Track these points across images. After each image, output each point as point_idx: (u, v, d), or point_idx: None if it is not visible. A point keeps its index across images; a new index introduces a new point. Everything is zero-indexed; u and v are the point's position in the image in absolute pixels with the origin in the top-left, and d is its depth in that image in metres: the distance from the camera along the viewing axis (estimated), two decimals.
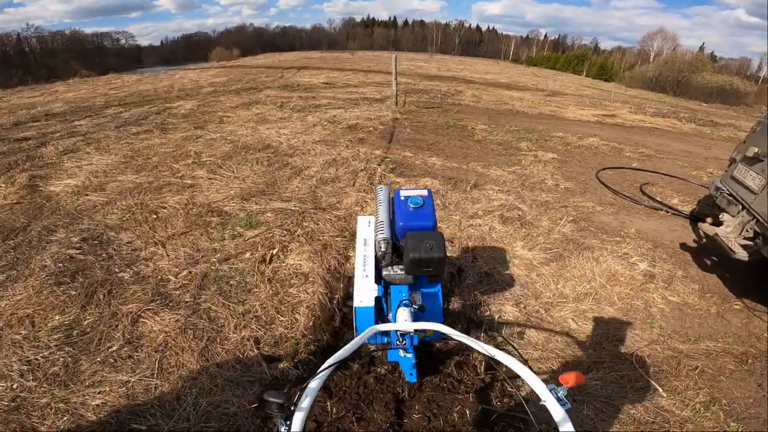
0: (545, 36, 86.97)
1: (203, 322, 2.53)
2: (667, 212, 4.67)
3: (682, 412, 2.11)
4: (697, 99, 28.33)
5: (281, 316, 2.60)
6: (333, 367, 1.20)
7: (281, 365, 2.27)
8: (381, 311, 1.93)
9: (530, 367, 1.16)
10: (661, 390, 2.22)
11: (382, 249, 1.89)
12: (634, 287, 3.16)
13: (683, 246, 3.92)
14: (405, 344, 1.56)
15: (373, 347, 2.30)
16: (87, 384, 2.04)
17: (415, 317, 1.79)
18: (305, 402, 1.05)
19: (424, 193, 1.99)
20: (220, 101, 9.98)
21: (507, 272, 3.21)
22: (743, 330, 2.81)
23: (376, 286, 1.88)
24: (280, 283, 2.89)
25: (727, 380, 2.34)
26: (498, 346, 1.38)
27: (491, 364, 2.04)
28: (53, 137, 6.47)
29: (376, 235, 1.96)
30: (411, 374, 1.82)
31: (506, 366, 1.21)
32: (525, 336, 2.61)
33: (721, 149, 8.55)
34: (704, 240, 4.02)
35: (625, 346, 2.56)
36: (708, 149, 8.47)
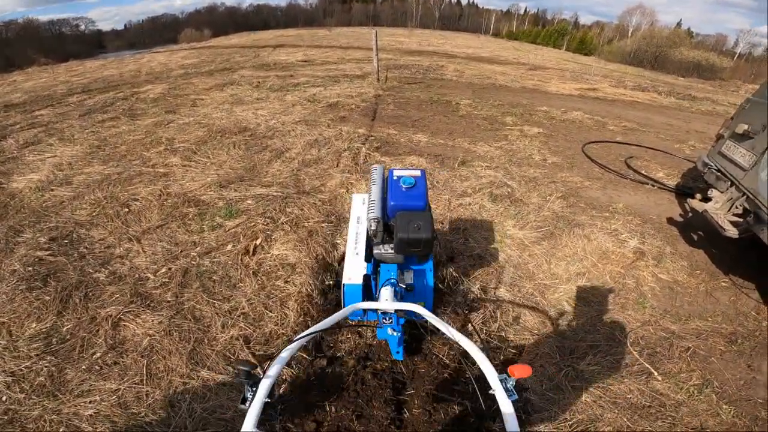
0: (525, 10, 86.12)
1: (188, 322, 2.40)
2: (653, 186, 4.68)
3: (677, 395, 2.12)
4: (674, 73, 28.65)
5: (270, 311, 2.48)
6: (306, 338, 1.22)
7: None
8: (369, 289, 1.92)
9: (487, 355, 1.19)
10: (656, 373, 2.23)
11: (373, 228, 1.88)
12: (625, 265, 3.16)
13: (670, 221, 3.93)
14: (391, 322, 1.55)
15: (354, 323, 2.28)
16: (76, 393, 1.95)
17: (403, 297, 1.78)
18: (272, 370, 1.10)
19: (417, 173, 1.97)
20: (192, 84, 9.47)
21: (499, 253, 3.15)
22: (731, 308, 2.83)
23: (365, 264, 1.90)
24: (266, 276, 2.75)
25: (718, 361, 2.37)
26: (467, 334, 1.46)
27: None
28: (13, 129, 6.02)
29: (367, 214, 1.95)
30: (397, 352, 1.84)
31: (466, 349, 1.25)
32: (520, 321, 2.57)
33: (700, 122, 8.66)
34: (690, 215, 4.05)
35: (619, 328, 2.56)
36: (688, 122, 8.54)
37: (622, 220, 3.75)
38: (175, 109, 6.97)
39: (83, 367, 2.09)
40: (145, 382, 2.03)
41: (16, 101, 8.50)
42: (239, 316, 2.46)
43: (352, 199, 2.26)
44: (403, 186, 1.89)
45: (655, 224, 3.83)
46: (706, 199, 3.53)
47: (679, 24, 60.50)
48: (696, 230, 3.76)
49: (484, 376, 1.13)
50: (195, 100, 7.66)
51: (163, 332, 2.33)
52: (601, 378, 2.18)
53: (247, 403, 1.04)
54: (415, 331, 2.32)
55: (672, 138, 6.91)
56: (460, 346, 1.27)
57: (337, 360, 2.25)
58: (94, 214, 3.45)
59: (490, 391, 1.09)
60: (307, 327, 2.41)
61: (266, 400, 1.04)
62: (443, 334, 1.35)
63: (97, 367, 2.09)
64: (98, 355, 2.17)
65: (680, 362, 2.31)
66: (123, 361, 2.14)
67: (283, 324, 2.41)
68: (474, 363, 1.23)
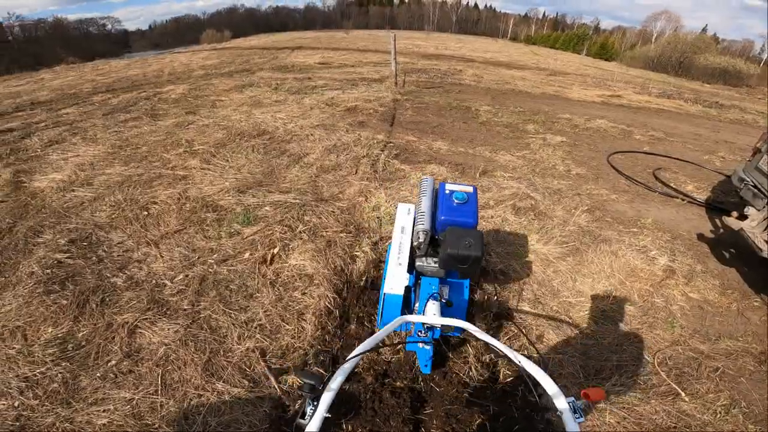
0: (544, 14, 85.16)
1: (204, 332, 2.36)
2: (683, 200, 4.48)
3: (703, 416, 2.06)
4: (699, 80, 27.86)
5: (287, 324, 2.42)
6: (365, 353, 1.20)
7: (290, 379, 2.12)
8: (408, 300, 1.91)
9: (551, 375, 1.11)
10: (683, 394, 2.16)
11: (420, 239, 1.87)
12: (654, 283, 3.03)
13: (701, 237, 3.77)
14: (427, 336, 1.55)
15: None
16: (90, 401, 1.93)
17: (442, 311, 1.76)
18: (335, 382, 1.04)
19: (469, 189, 1.95)
20: (212, 84, 9.57)
21: (523, 269, 3.04)
22: (762, 328, 2.72)
23: (407, 275, 1.88)
24: (284, 287, 2.69)
25: (747, 381, 2.29)
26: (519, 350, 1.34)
27: (509, 369, 2.18)
28: (38, 127, 6.13)
29: (416, 225, 1.94)
30: (426, 365, 1.85)
31: (528, 372, 1.18)
32: (544, 339, 2.47)
33: (729, 132, 8.35)
34: (721, 231, 3.87)
35: (647, 348, 2.48)
36: (717, 132, 8.24)
37: (651, 236, 3.59)
38: (195, 110, 7.02)
39: (98, 374, 2.07)
40: (159, 392, 2.00)
41: (43, 99, 8.69)
42: (256, 327, 2.41)
43: (397, 208, 2.24)
44: (455, 201, 1.87)
45: (685, 240, 3.66)
46: (743, 216, 3.35)
47: (704, 29, 58.92)
48: (728, 247, 3.60)
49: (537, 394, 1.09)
50: (215, 101, 7.72)
51: (179, 341, 2.30)
52: (627, 399, 2.11)
53: (307, 418, 0.98)
54: (438, 348, 2.28)
55: (701, 149, 6.66)
56: (516, 364, 1.20)
57: (355, 376, 2.20)
58: (113, 216, 3.46)
59: (557, 413, 1.04)
60: (324, 341, 2.36)
61: (326, 415, 0.97)
62: (497, 351, 1.29)
63: (112, 375, 2.07)
64: (113, 362, 2.14)
65: (708, 383, 2.24)
66: (138, 370, 2.11)
67: (300, 337, 2.35)
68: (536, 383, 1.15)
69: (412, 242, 1.98)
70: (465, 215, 1.83)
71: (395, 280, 1.87)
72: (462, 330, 1.44)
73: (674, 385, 2.20)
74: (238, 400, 1.99)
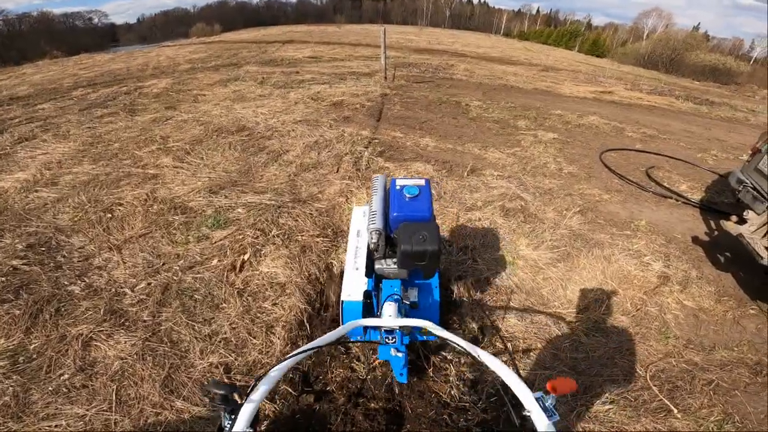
0: (537, 10, 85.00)
1: (164, 346, 2.21)
2: (677, 200, 4.35)
3: None
4: (689, 77, 27.95)
5: (254, 338, 2.24)
6: (299, 356, 1.07)
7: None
8: (370, 306, 1.78)
9: (517, 371, 1.00)
10: (675, 410, 2.07)
11: (374, 240, 1.77)
12: (648, 291, 2.90)
13: (695, 240, 3.64)
14: (394, 341, 1.44)
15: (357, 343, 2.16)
16: (41, 416, 1.84)
17: (408, 314, 1.66)
18: (257, 393, 0.91)
19: (421, 182, 1.86)
20: (196, 79, 9.27)
21: (510, 276, 2.87)
22: (757, 337, 2.63)
23: (366, 279, 1.81)
24: (253, 297, 2.50)
25: (741, 394, 2.21)
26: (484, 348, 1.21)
27: (492, 388, 2.08)
28: (11, 124, 5.87)
29: (368, 226, 1.84)
30: (401, 374, 1.76)
31: (489, 368, 1.06)
32: (531, 354, 2.32)
33: (721, 129, 8.27)
34: (716, 233, 3.75)
35: (639, 361, 2.37)
36: (708, 129, 8.15)
37: (646, 240, 3.45)
38: (176, 105, 6.77)
39: (50, 388, 1.97)
40: (114, 409, 1.89)
41: (21, 94, 8.40)
42: (220, 341, 2.25)
43: (352, 212, 2.13)
44: (407, 195, 1.77)
45: (680, 244, 3.53)
46: (742, 220, 3.21)
47: (696, 27, 59.18)
48: (723, 251, 3.47)
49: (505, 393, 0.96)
50: (197, 95, 7.46)
51: (136, 355, 2.16)
52: (617, 418, 2.00)
53: None
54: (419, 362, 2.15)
55: (693, 146, 6.54)
56: (478, 360, 1.10)
57: (326, 395, 2.03)
58: (76, 219, 3.24)
59: (524, 413, 0.91)
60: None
61: (248, 430, 0.83)
62: (460, 350, 1.20)
63: (64, 390, 1.97)
64: (66, 376, 2.03)
65: (702, 397, 2.16)
66: (92, 385, 1.99)
67: (267, 352, 2.19)
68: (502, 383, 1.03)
69: (368, 245, 1.88)
70: (417, 209, 1.74)
71: (353, 286, 1.78)
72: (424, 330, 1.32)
73: (666, 401, 2.10)
74: (199, 419, 1.87)
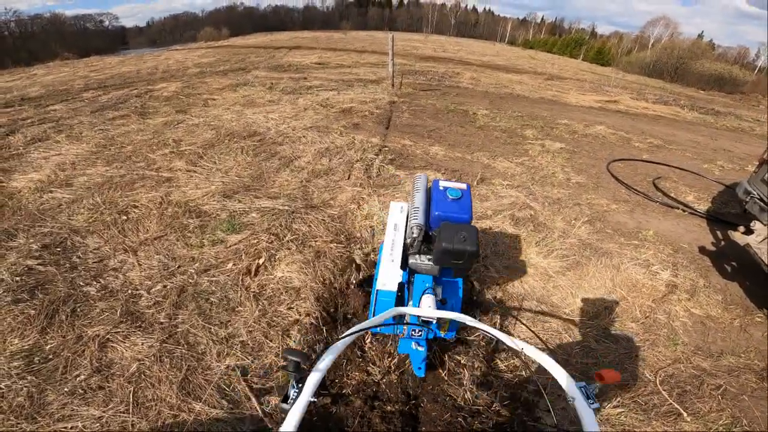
0: (542, 19, 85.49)
1: (181, 348, 2.22)
2: (684, 211, 4.38)
3: None
4: (694, 86, 27.99)
5: (270, 341, 2.27)
6: (358, 333, 1.16)
7: (273, 400, 1.98)
8: (402, 299, 1.83)
9: (557, 359, 1.06)
10: (685, 414, 2.11)
11: (414, 234, 1.85)
12: (656, 299, 2.94)
13: (702, 250, 3.66)
14: (421, 335, 1.54)
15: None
16: (56, 417, 1.83)
17: (437, 308, 1.71)
18: (323, 363, 0.99)
19: (463, 186, 1.95)
20: (205, 83, 9.37)
21: (522, 284, 2.90)
22: (764, 344, 2.68)
23: (401, 271, 1.85)
24: (268, 301, 2.53)
25: (749, 399, 2.26)
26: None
27: (505, 391, 2.12)
28: (24, 124, 5.92)
29: (410, 221, 1.92)
30: (420, 368, 1.83)
31: (532, 359, 1.14)
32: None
33: (727, 140, 8.30)
34: (723, 243, 3.77)
35: (648, 367, 2.41)
36: (714, 140, 8.18)
37: (653, 249, 3.47)
38: (187, 108, 6.84)
39: (65, 389, 1.95)
40: (131, 411, 1.88)
41: (33, 95, 8.47)
42: (237, 344, 2.27)
43: (390, 206, 2.22)
44: (450, 197, 1.85)
45: (687, 254, 3.55)
46: (749, 231, 3.24)
47: (700, 36, 59.29)
48: (730, 260, 3.51)
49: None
50: (207, 99, 7.53)
51: (153, 357, 2.16)
52: (628, 420, 2.05)
53: (290, 401, 0.92)
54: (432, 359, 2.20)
55: (699, 157, 6.58)
56: (521, 352, 1.17)
57: (343, 398, 2.06)
58: (91, 220, 3.28)
59: (568, 399, 1.00)
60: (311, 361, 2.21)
61: (312, 399, 0.90)
62: (503, 343, 1.24)
63: (80, 391, 1.96)
64: (82, 377, 2.02)
65: (710, 401, 2.21)
66: (108, 386, 1.98)
67: None
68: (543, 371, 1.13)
69: (405, 240, 1.95)
70: (459, 210, 1.81)
71: (388, 277, 1.82)
72: (457, 331, 1.41)
73: (676, 405, 2.14)
74: (217, 421, 1.88)
